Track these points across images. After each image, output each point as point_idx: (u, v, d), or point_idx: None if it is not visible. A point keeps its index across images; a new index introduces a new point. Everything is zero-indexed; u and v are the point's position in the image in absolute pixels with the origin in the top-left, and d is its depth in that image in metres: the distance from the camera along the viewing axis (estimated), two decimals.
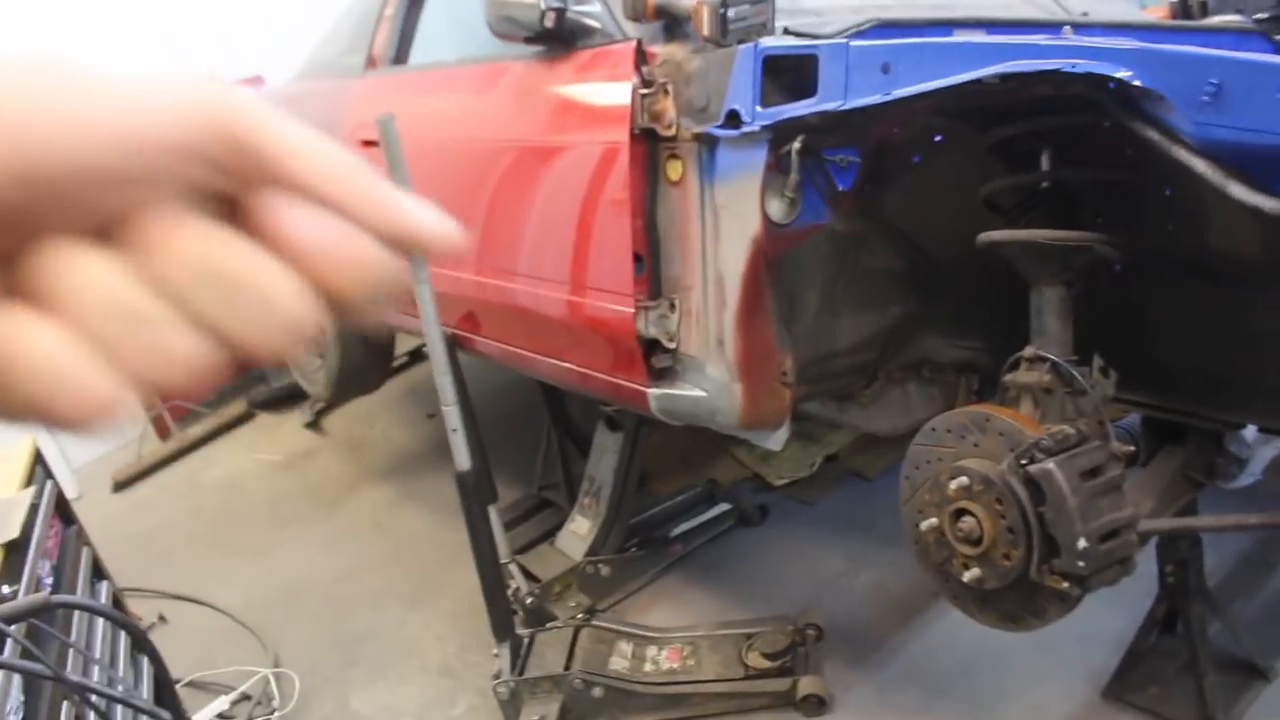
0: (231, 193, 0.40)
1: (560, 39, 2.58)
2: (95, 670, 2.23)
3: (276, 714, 3.07)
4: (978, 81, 1.78)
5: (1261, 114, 1.54)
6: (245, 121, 0.40)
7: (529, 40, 2.59)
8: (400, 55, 3.68)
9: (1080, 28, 2.17)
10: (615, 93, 2.37)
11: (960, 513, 1.90)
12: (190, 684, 3.21)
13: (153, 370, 0.37)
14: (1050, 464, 1.78)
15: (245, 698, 3.16)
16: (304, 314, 0.40)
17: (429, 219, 0.45)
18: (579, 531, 3.36)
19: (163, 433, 5.49)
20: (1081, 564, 1.77)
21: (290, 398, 5.46)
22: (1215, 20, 2.98)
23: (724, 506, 3.58)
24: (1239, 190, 1.60)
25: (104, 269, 0.37)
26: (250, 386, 5.72)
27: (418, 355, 5.41)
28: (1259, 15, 3.02)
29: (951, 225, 2.31)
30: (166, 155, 0.38)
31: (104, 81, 0.37)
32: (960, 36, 2.12)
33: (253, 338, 0.39)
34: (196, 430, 5.48)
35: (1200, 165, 1.63)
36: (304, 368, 4.67)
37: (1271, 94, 1.52)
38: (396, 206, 0.44)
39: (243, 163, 0.40)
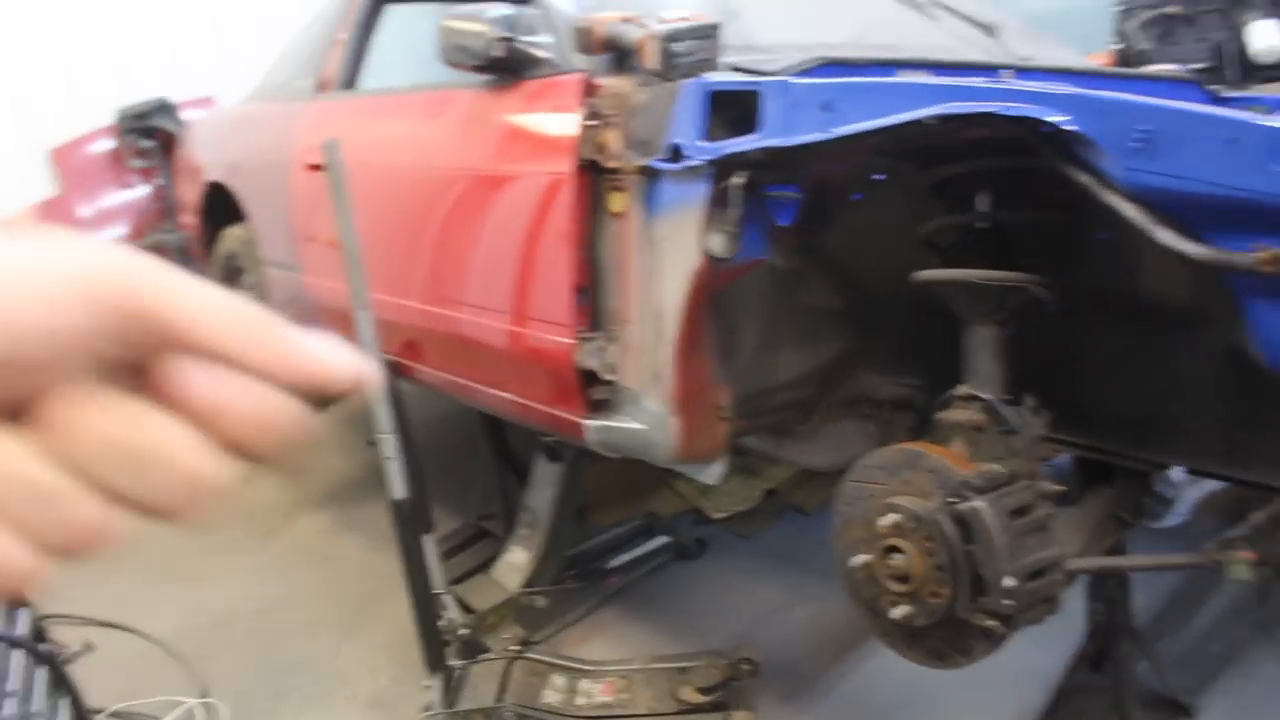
0: (135, 360, 0.41)
1: (509, 69, 2.59)
2: (8, 704, 2.17)
3: None
4: (917, 122, 1.80)
5: (1189, 162, 1.58)
6: (140, 290, 0.40)
7: (478, 69, 2.60)
8: (351, 80, 3.67)
9: (1020, 72, 2.21)
10: (561, 124, 2.38)
11: (891, 550, 1.90)
12: (114, 715, 3.13)
13: (64, 541, 0.39)
14: (979, 503, 1.79)
15: None
16: (211, 474, 0.41)
17: (332, 359, 0.45)
18: (515, 562, 3.33)
19: None
20: (1008, 602, 1.78)
21: None
22: (1153, 69, 3.06)
23: (662, 539, 3.57)
24: (1166, 236, 1.63)
25: (10, 448, 0.38)
26: None
27: None
28: (1195, 66, 3.11)
29: (891, 263, 2.33)
30: (63, 339, 0.38)
31: None
32: (904, 77, 2.15)
33: (161, 502, 0.40)
34: None
35: (1130, 210, 1.66)
36: None
37: (1198, 142, 1.56)
38: (299, 354, 0.44)
39: (143, 331, 0.40)
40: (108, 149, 5.57)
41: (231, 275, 4.46)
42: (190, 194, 4.71)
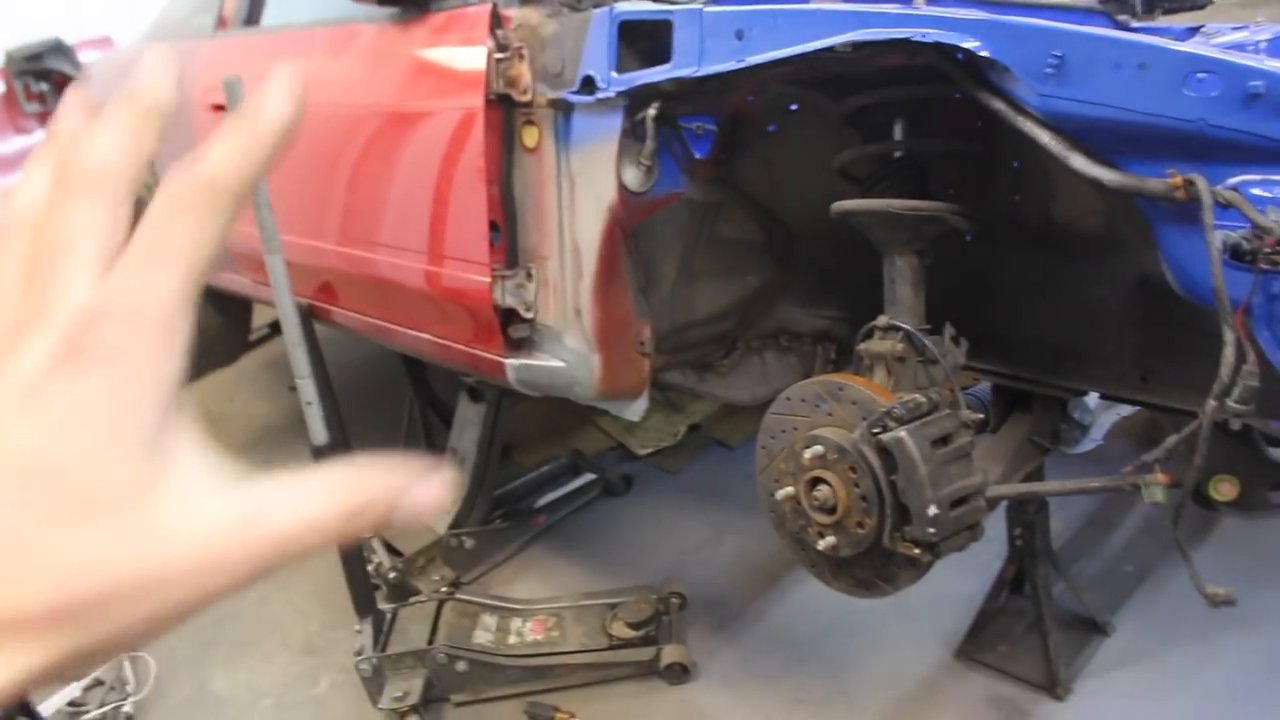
0: None
1: (414, 2, 2.50)
2: None
3: (131, 699, 2.95)
4: (830, 49, 1.78)
5: (1101, 87, 1.57)
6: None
7: (382, 2, 2.51)
8: (252, 16, 3.54)
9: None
10: (470, 57, 2.31)
11: (815, 481, 1.91)
12: None
13: None
14: (902, 432, 1.80)
15: (98, 683, 3.03)
16: None
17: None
18: None
19: None
20: (932, 530, 1.80)
21: None
22: None
23: (589, 477, 3.56)
24: (1080, 162, 1.62)
25: None
26: None
27: (278, 327, 5.25)
28: None
29: (808, 194, 2.32)
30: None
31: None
32: (818, 3, 2.12)
33: None
34: None
35: (1044, 137, 1.66)
36: None
37: (1110, 67, 1.55)
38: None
39: None
40: None
41: (138, 220, 4.32)
42: None
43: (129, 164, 0.45)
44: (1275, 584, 2.66)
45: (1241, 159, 1.50)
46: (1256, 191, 1.49)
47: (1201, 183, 1.49)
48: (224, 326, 4.16)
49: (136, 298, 0.40)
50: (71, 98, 0.48)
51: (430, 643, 2.79)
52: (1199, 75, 1.49)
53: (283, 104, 0.45)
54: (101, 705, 2.92)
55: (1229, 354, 1.49)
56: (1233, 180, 1.51)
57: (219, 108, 3.00)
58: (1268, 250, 1.45)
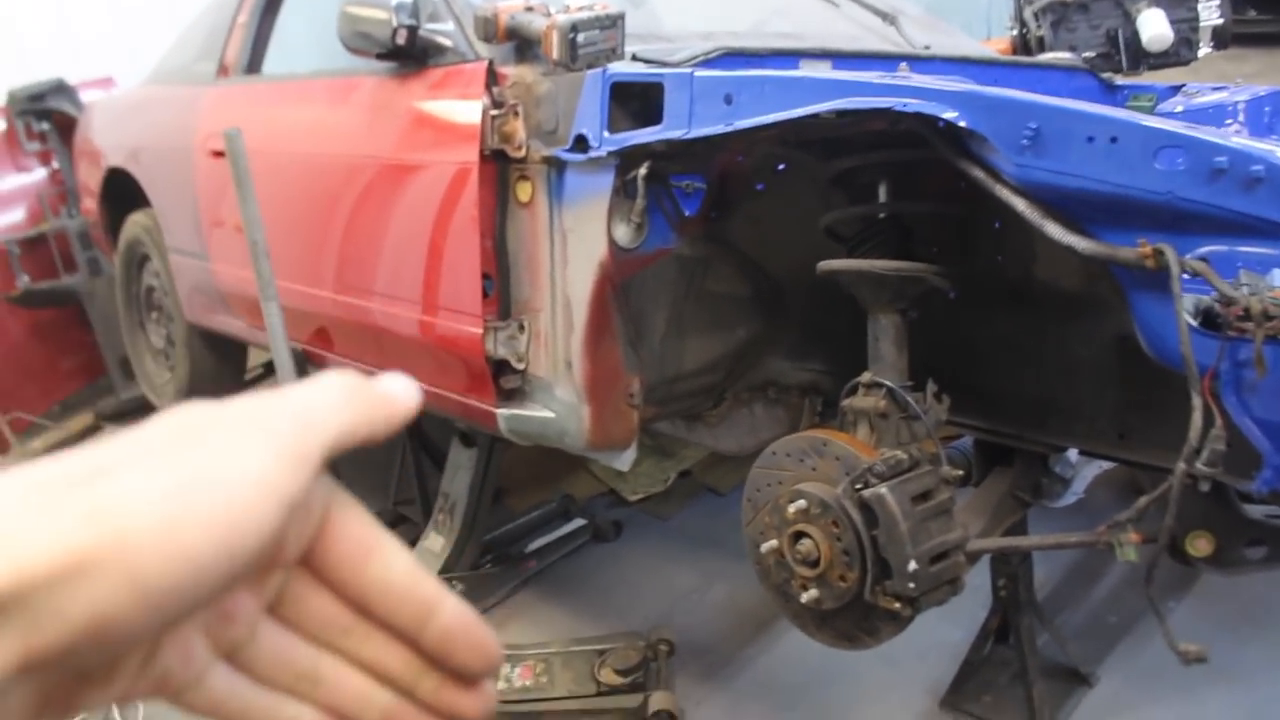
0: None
1: (412, 56, 2.56)
2: None
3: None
4: (815, 115, 1.83)
5: (1075, 159, 1.63)
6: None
7: (381, 56, 2.57)
8: (253, 65, 3.60)
9: (918, 64, 2.25)
10: (466, 112, 2.36)
11: (799, 535, 1.94)
12: None
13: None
14: (883, 489, 1.84)
15: None
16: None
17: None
18: (433, 548, 3.33)
19: (2, 446, 5.26)
20: (912, 585, 1.83)
21: (139, 410, 5.27)
22: (1048, 57, 3.12)
23: (579, 522, 3.59)
24: (1055, 230, 1.68)
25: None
26: (97, 398, 5.51)
27: (272, 368, 5.28)
28: (1087, 54, 3.18)
29: (795, 252, 2.37)
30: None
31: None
32: (806, 67, 2.18)
33: None
34: (38, 444, 5.26)
35: (1020, 205, 1.71)
36: (153, 380, 4.53)
37: (1082, 140, 1.61)
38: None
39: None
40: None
41: (136, 263, 4.37)
42: (91, 179, 4.58)
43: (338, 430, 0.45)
44: (1258, 638, 2.68)
45: (1210, 230, 1.56)
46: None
47: (1170, 252, 1.55)
48: (219, 367, 4.19)
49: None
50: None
51: None
52: (1167, 149, 1.55)
53: (410, 400, 0.48)
54: None
55: (1196, 418, 1.54)
56: (1201, 250, 1.57)
57: (219, 154, 3.04)
58: (1234, 319, 1.50)
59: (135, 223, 4.22)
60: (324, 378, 0.46)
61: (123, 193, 4.20)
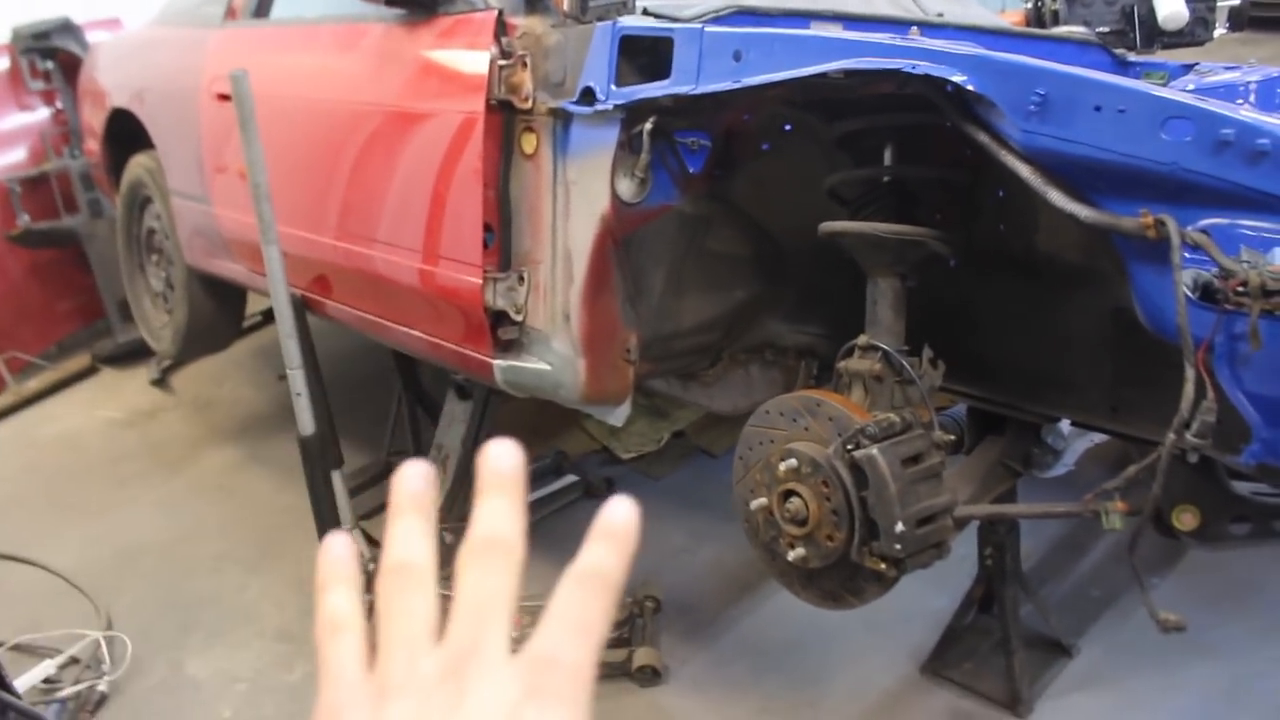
0: None
1: (423, 4, 2.55)
2: None
3: (106, 678, 2.97)
4: (823, 75, 1.83)
5: (1081, 127, 1.63)
6: None
7: (391, 3, 2.56)
8: (261, 9, 3.58)
9: (929, 29, 2.24)
10: (474, 61, 2.35)
11: (788, 494, 1.96)
12: (15, 647, 3.10)
13: None
14: (874, 450, 1.85)
15: (73, 661, 3.06)
16: None
17: None
18: None
19: None
20: (898, 547, 1.85)
21: (136, 353, 5.27)
22: (1061, 30, 3.10)
23: (571, 478, 3.60)
24: (1058, 197, 1.68)
25: None
26: (95, 340, 5.51)
27: (270, 315, 5.28)
28: (1101, 29, 3.16)
29: (798, 213, 2.37)
30: None
31: None
32: (817, 28, 2.17)
33: None
34: (34, 384, 5.25)
35: (1025, 171, 1.71)
36: (151, 323, 4.53)
37: (1090, 109, 1.61)
38: None
39: None
40: (3, 69, 5.35)
41: (137, 205, 4.36)
42: (94, 119, 4.56)
43: (521, 538, 0.54)
44: (1239, 614, 2.71)
45: (1213, 203, 1.56)
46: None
47: (1171, 223, 1.55)
48: (217, 312, 4.18)
49: (571, 657, 0.50)
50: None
51: None
52: (1175, 120, 1.55)
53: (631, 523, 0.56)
54: (76, 683, 2.94)
55: (1189, 390, 1.55)
56: (1203, 223, 1.57)
57: (224, 97, 3.03)
58: (1232, 292, 1.51)
59: (138, 164, 4.21)
60: (564, 602, 0.52)
61: (126, 134, 4.18)
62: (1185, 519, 1.91)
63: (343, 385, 3.84)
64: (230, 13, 3.66)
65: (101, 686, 2.93)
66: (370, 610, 0.54)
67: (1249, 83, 2.31)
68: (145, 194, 4.23)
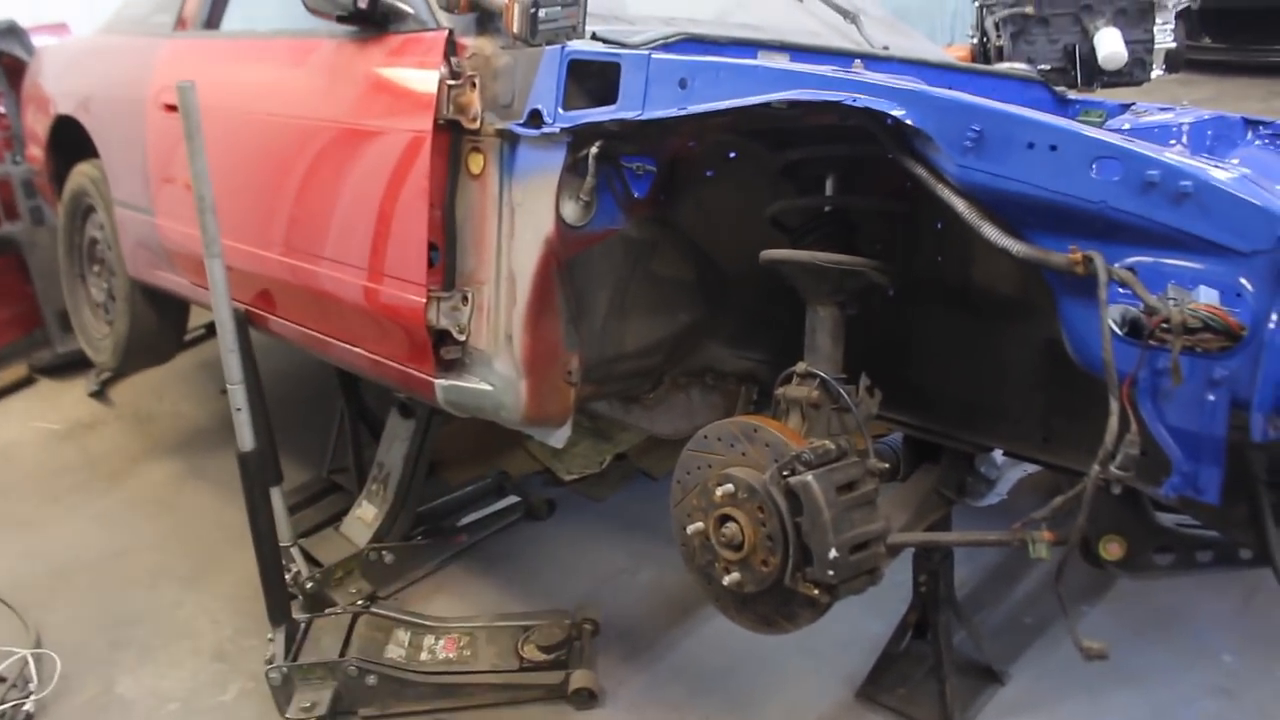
0: None
1: (373, 21, 2.55)
2: None
3: (33, 698, 2.91)
4: (767, 105, 1.86)
5: (1015, 163, 1.67)
6: None
7: (342, 19, 2.56)
8: (213, 19, 3.56)
9: (874, 62, 2.28)
10: (423, 81, 2.36)
11: (725, 518, 1.98)
12: None
13: None
14: (809, 477, 1.87)
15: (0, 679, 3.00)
16: None
17: None
18: (365, 517, 3.32)
19: None
20: (831, 573, 1.87)
21: (75, 364, 5.20)
22: (1004, 66, 3.18)
23: (512, 499, 3.60)
24: (992, 232, 1.72)
25: None
26: (32, 350, 5.42)
27: (214, 329, 5.22)
28: (1044, 66, 3.24)
29: (741, 239, 2.39)
30: None
31: None
32: (764, 58, 2.20)
33: None
34: None
35: (960, 205, 1.75)
36: (90, 334, 4.47)
37: (1022, 146, 1.65)
38: None
39: None
40: None
41: (80, 214, 4.31)
42: (38, 126, 4.51)
43: None
44: (1165, 641, 2.76)
45: (1140, 241, 1.60)
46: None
47: (1099, 260, 1.59)
48: (159, 325, 4.14)
49: None
50: None
51: (342, 655, 2.80)
52: (1104, 160, 1.59)
53: None
54: (1, 703, 2.89)
55: (1113, 423, 1.59)
56: (1130, 260, 1.61)
57: (172, 107, 3.02)
58: (1156, 328, 1.55)
59: (81, 173, 4.16)
60: None
61: (70, 142, 4.14)
62: (1112, 549, 1.94)
63: (285, 401, 3.81)
64: (180, 23, 3.64)
65: (28, 706, 2.86)
66: None
67: (1182, 124, 2.37)
68: (88, 203, 4.18)
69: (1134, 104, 2.76)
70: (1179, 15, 3.67)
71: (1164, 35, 3.59)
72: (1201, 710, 2.55)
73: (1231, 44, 6.77)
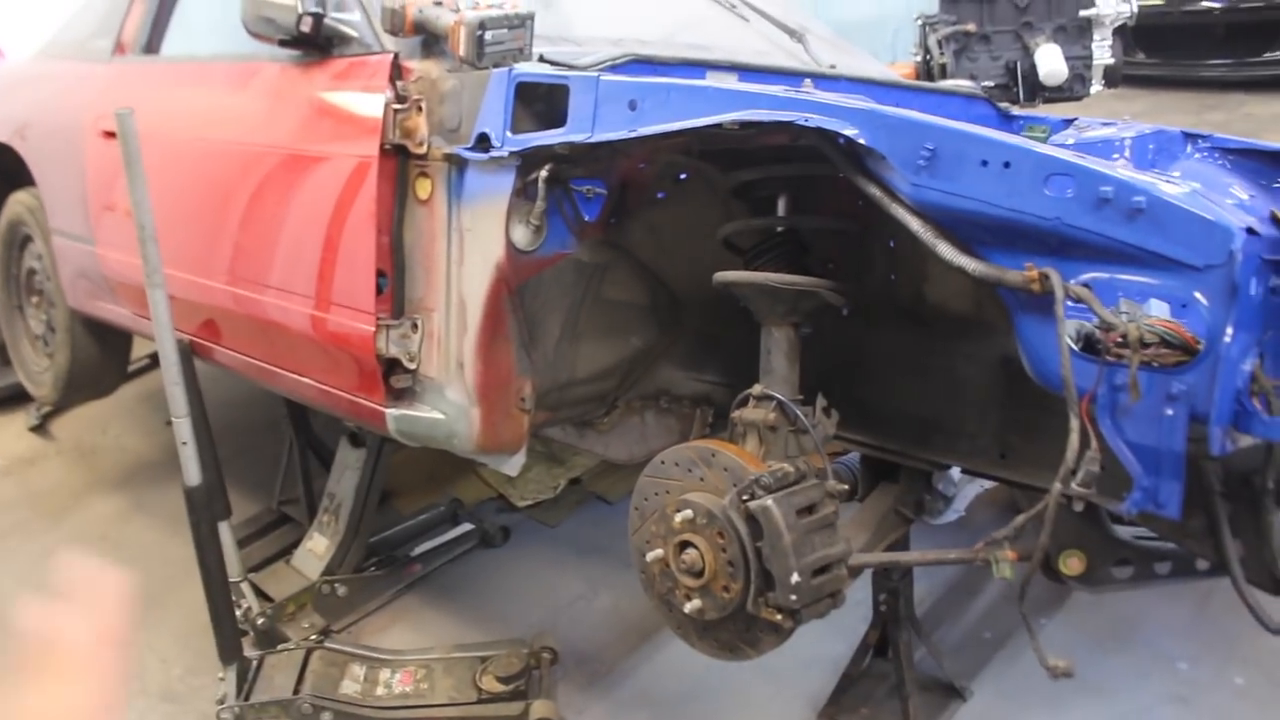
0: None
1: (317, 45, 2.52)
2: None
3: None
4: (717, 125, 1.85)
5: (969, 181, 1.67)
6: None
7: (284, 43, 2.52)
8: (152, 44, 3.50)
9: (822, 81, 2.28)
10: (369, 105, 2.33)
11: (684, 545, 1.95)
12: None
13: None
14: (769, 501, 1.85)
15: None
16: None
17: None
18: (316, 550, 3.26)
19: None
20: (794, 597, 1.85)
21: (14, 398, 5.07)
22: (948, 84, 3.20)
23: (466, 527, 3.55)
24: (947, 250, 1.71)
25: None
26: None
27: (158, 360, 5.13)
28: (987, 83, 3.27)
29: (693, 261, 2.38)
30: None
31: None
32: (713, 78, 2.19)
33: None
34: None
35: (914, 224, 1.74)
36: (29, 367, 4.36)
37: (976, 164, 1.64)
38: None
39: None
40: None
41: (17, 244, 4.21)
42: None
43: None
44: (1123, 653, 2.77)
45: (1094, 258, 1.61)
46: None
47: (1055, 277, 1.59)
48: (101, 356, 4.05)
49: None
50: None
51: (296, 692, 2.73)
52: (1057, 177, 1.59)
53: None
54: None
55: (1074, 440, 1.58)
56: (1085, 276, 1.61)
57: (110, 134, 2.95)
58: (1113, 344, 1.55)
59: (18, 201, 4.07)
60: None
61: (5, 170, 4.05)
62: (1072, 564, 1.95)
63: (232, 432, 3.74)
64: (119, 48, 3.57)
65: None
66: None
67: (1124, 138, 2.39)
68: (25, 232, 4.08)
69: (1076, 119, 2.79)
70: (1116, 32, 3.73)
71: (1102, 51, 3.65)
72: (1160, 718, 2.56)
73: (1164, 59, 6.92)
